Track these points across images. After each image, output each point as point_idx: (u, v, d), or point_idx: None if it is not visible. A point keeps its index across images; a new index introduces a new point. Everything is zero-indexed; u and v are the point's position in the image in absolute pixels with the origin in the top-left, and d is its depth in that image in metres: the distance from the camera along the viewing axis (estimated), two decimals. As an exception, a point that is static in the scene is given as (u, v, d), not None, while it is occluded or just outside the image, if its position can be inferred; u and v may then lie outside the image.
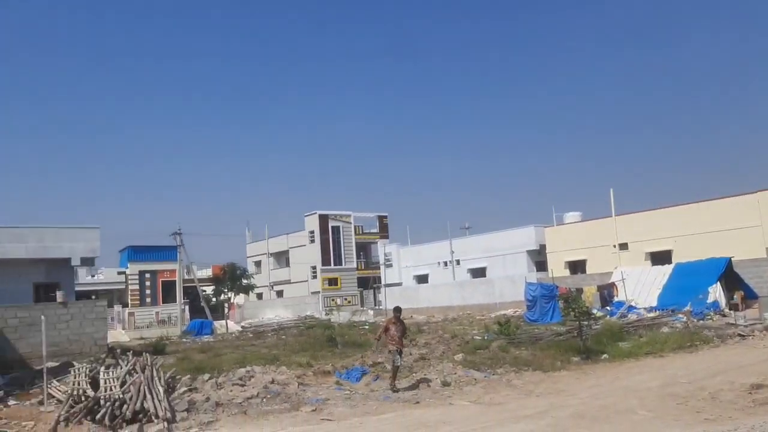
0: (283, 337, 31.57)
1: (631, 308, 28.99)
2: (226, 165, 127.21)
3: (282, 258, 68.00)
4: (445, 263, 53.34)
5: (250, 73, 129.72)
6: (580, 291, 28.78)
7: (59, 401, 12.29)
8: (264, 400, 13.36)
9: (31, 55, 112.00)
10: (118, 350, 18.22)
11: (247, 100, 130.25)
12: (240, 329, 39.87)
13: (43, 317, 13.38)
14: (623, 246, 40.88)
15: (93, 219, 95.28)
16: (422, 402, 12.51)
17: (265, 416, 11.84)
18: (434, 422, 10.43)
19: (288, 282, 65.23)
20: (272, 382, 14.88)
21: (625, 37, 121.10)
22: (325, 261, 61.84)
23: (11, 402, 12.99)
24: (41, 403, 12.70)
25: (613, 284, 32.04)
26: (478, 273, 50.87)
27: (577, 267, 43.40)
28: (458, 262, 52.74)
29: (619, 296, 31.11)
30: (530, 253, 48.08)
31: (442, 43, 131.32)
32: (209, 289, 52.68)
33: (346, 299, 57.73)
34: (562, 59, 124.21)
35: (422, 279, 55.85)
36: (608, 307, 30.10)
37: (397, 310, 15.02)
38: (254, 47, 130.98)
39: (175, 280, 46.89)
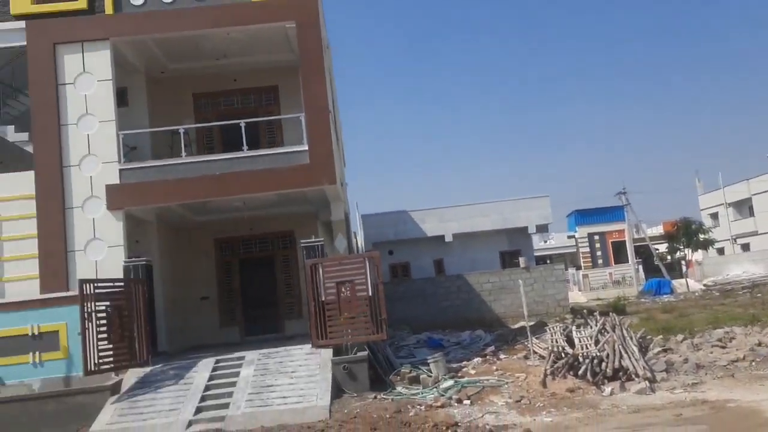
0: (759, 295, 28.12)
1: None
2: (666, 117, 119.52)
3: (743, 207, 60.42)
4: None
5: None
6: None
7: (541, 357, 13.38)
8: (753, 363, 12.08)
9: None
10: (584, 311, 18.84)
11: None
12: (703, 288, 37.06)
13: (520, 281, 14.76)
14: None
15: (540, 188, 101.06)
16: None
17: (758, 380, 10.67)
18: None
19: (754, 234, 57.61)
20: (759, 344, 13.33)
21: None
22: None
23: (502, 356, 14.72)
24: (526, 357, 14.03)
25: None
26: None
27: None
28: None
29: None
30: None
31: None
32: (662, 247, 50.44)
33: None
34: None
35: None
36: None
37: None
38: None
39: (623, 240, 46.29)
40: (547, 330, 14.51)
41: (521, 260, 25.97)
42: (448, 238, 28.12)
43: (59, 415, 11.92)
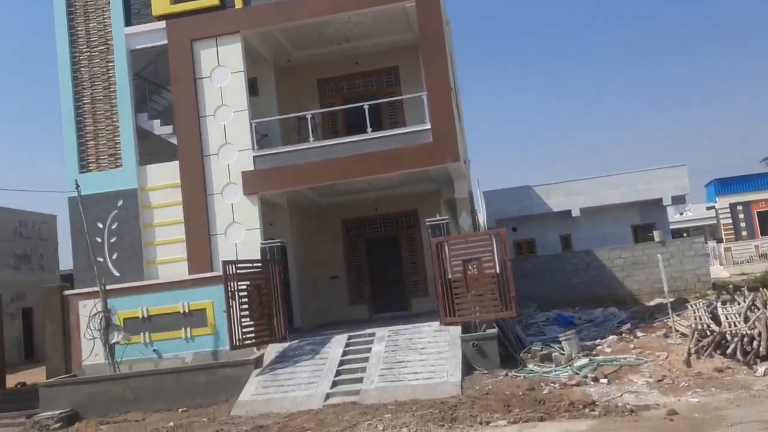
0: None
1: None
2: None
3: None
4: None
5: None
6: None
7: (683, 335, 12.67)
8: None
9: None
10: (730, 286, 17.56)
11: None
12: None
13: (659, 255, 14.02)
14: None
15: (676, 157, 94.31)
16: None
17: None
18: None
19: None
20: None
21: None
22: None
23: (639, 334, 14.10)
24: (666, 336, 13.35)
25: None
26: None
27: None
28: None
29: None
30: None
31: None
32: (817, 217, 45.78)
33: None
34: None
35: None
36: None
37: None
38: None
39: (770, 210, 42.58)
40: (689, 307, 13.71)
41: (656, 234, 24.57)
42: (576, 213, 27.14)
43: (210, 385, 12.90)
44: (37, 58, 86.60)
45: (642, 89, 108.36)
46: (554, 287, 23.46)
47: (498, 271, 12.92)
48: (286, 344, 13.85)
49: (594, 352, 12.52)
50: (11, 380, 17.18)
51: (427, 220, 14.18)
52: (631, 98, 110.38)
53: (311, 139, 15.34)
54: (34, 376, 18.57)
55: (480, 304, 13.04)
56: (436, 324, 13.42)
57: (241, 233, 14.92)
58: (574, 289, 23.42)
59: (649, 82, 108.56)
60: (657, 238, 24.14)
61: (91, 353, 14.57)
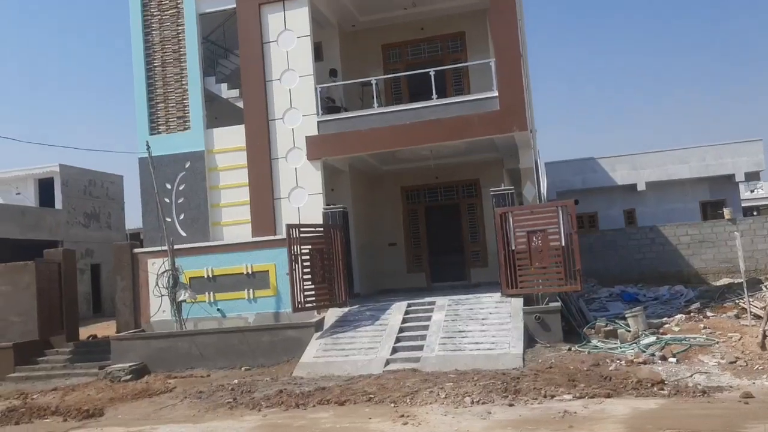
0: None
1: None
2: None
3: None
4: None
5: None
6: None
7: (757, 316, 12.17)
8: None
9: None
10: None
11: None
12: None
13: (737, 233, 13.41)
14: None
15: (752, 131, 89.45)
16: None
17: None
18: None
19: None
20: None
21: None
22: None
23: (709, 314, 13.64)
24: (737, 317, 12.87)
25: None
26: None
27: None
28: None
29: None
30: None
31: None
32: None
33: None
34: None
35: None
36: None
37: None
38: None
39: None
40: (763, 288, 13.15)
41: (726, 211, 23.59)
42: (641, 187, 26.28)
43: (272, 346, 13.20)
44: (104, 23, 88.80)
45: (725, 50, 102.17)
46: (616, 263, 22.93)
47: (563, 243, 12.66)
48: (346, 309, 14.00)
49: (661, 331, 12.17)
50: (83, 333, 18.00)
51: (491, 189, 13.96)
52: (711, 62, 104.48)
53: (375, 104, 15.23)
54: (103, 329, 19.44)
55: (543, 276, 12.84)
56: (497, 295, 13.31)
57: (303, 198, 15.05)
58: (637, 265, 22.82)
59: (730, 43, 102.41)
60: (727, 216, 23.19)
61: (158, 310, 15.10)
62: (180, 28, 15.98)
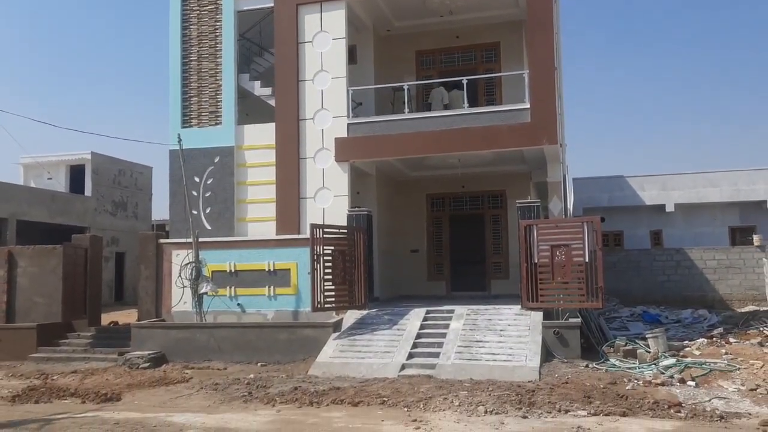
0: None
1: None
2: None
3: None
4: None
5: None
6: None
7: (781, 346, 11.95)
8: None
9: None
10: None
11: None
12: None
13: (765, 260, 13.16)
14: None
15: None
16: None
17: None
18: None
19: None
20: None
21: None
22: None
23: (731, 339, 13.41)
24: (761, 344, 12.63)
25: None
26: None
27: None
28: None
29: None
30: None
31: None
32: None
33: None
34: None
35: None
36: None
37: None
38: None
39: None
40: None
41: (755, 238, 23.17)
42: (670, 208, 25.95)
43: (289, 343, 13.27)
44: (141, 16, 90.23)
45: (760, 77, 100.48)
46: (640, 283, 22.68)
47: (587, 260, 12.55)
48: (364, 312, 14.03)
49: (681, 353, 12.00)
50: (104, 319, 18.28)
51: (518, 201, 13.90)
52: (746, 88, 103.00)
53: (406, 110, 15.29)
54: (124, 316, 19.71)
55: (565, 291, 12.74)
56: (516, 308, 13.23)
57: (329, 199, 15.14)
58: (660, 287, 22.55)
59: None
60: (756, 242, 22.77)
61: (180, 300, 15.27)
62: (218, 24, 16.21)
